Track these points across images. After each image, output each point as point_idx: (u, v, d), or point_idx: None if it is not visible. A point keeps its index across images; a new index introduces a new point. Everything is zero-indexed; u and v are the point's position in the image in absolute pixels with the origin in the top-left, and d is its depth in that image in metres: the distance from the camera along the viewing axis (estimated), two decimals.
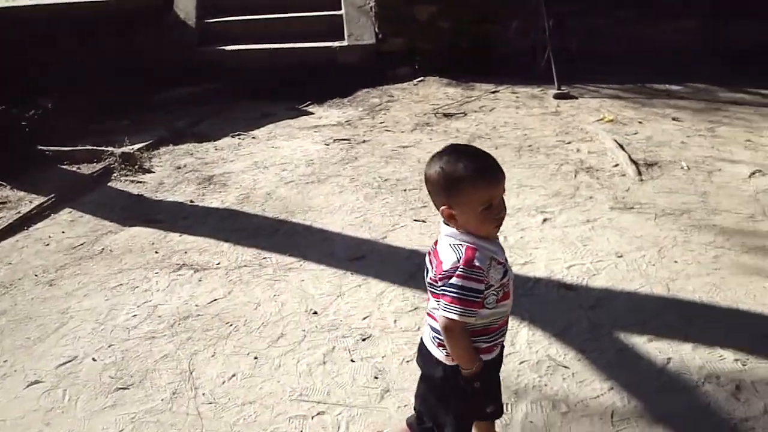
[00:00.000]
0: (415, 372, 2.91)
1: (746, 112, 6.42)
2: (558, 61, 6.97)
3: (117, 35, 7.25)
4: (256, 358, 3.08)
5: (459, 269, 1.90)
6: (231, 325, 3.33)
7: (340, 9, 7.90)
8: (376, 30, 7.65)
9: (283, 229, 4.27)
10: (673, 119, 6.18)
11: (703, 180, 4.84)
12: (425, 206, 4.43)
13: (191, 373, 3.00)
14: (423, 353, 2.19)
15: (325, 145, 5.65)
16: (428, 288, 2.07)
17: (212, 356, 3.11)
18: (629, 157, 5.13)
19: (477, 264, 1.91)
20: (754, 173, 4.95)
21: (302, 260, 3.87)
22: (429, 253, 2.10)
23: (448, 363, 2.08)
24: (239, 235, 4.20)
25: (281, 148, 5.67)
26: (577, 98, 6.71)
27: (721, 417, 2.71)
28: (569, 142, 5.52)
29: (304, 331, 3.25)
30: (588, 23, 7.62)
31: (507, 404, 2.73)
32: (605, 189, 4.64)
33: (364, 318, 3.33)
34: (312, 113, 6.67)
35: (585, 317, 3.26)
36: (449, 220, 1.96)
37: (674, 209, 4.39)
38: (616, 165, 5.03)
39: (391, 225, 4.22)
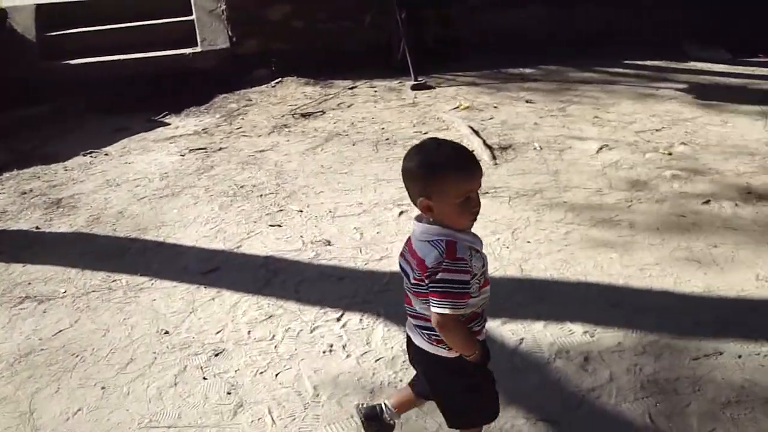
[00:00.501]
0: (268, 383, 2.87)
1: (594, 90, 6.69)
2: (414, 52, 7.02)
3: None
4: (103, 388, 2.93)
5: (444, 263, 1.89)
6: (77, 356, 3.15)
7: (191, 14, 7.68)
8: (230, 33, 7.49)
9: (134, 248, 4.09)
10: (527, 101, 6.36)
11: (555, 159, 4.99)
12: (281, 210, 4.36)
13: (31, 414, 2.81)
14: (423, 359, 2.16)
15: (181, 156, 5.47)
16: (412, 290, 2.04)
17: (56, 392, 2.92)
18: (484, 142, 5.24)
19: (460, 256, 1.90)
20: (601, 148, 5.15)
21: (154, 279, 3.72)
22: (402, 256, 2.08)
23: (451, 356, 2.06)
24: (88, 259, 3.99)
25: (135, 163, 5.44)
26: (434, 88, 6.79)
27: (570, 390, 2.79)
28: (426, 133, 5.56)
29: (154, 353, 3.11)
30: (442, 13, 7.73)
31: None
32: None
33: (218, 332, 3.22)
34: (168, 124, 6.45)
35: None
36: (425, 212, 1.95)
37: (527, 190, 4.50)
38: (472, 151, 5.09)
39: (246, 233, 4.12)
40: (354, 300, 3.38)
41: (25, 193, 5.05)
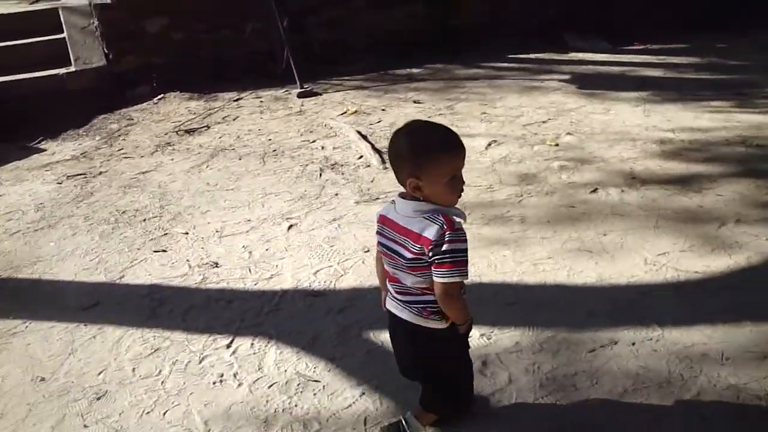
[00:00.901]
0: (155, 424, 2.69)
1: (481, 86, 6.74)
2: (299, 59, 6.89)
3: None
4: None
5: (447, 235, 2.00)
6: None
7: (63, 32, 7.29)
8: (106, 50, 7.13)
9: (6, 289, 3.78)
10: (415, 102, 6.34)
11: None
12: (166, 234, 4.15)
13: None
14: (413, 335, 2.23)
15: (58, 184, 5.15)
16: (407, 266, 2.11)
17: None
18: (372, 146, 5.16)
19: (458, 227, 2.04)
20: (490, 144, 5.17)
21: (28, 321, 3.44)
22: (383, 235, 2.16)
23: (442, 326, 2.19)
24: None
25: (7, 195, 5.08)
26: (321, 94, 6.67)
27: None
28: (314, 141, 5.45)
29: (29, 404, 2.86)
30: (324, 17, 7.63)
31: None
32: (351, 183, 4.62)
33: (99, 373, 3.00)
34: (44, 150, 6.08)
35: (333, 323, 3.18)
36: (414, 191, 2.04)
37: None
38: (361, 157, 5.02)
39: (129, 261, 3.89)
40: (244, 324, 3.23)
41: None
